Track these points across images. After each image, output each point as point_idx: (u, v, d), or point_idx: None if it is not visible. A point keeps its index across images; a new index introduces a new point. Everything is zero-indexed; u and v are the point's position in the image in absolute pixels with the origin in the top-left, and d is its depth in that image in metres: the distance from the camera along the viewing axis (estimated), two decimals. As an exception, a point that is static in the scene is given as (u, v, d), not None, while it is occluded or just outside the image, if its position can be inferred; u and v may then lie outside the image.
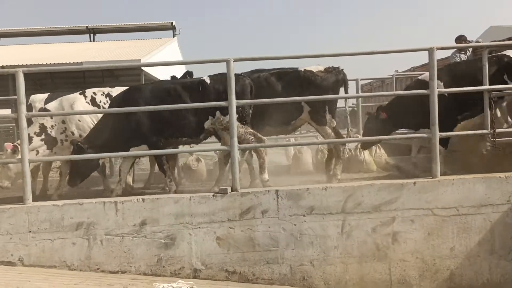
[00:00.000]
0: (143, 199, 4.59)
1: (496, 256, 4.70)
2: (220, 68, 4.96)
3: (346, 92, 5.88)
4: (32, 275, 4.23)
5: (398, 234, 4.66)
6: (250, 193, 4.65)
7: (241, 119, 5.29)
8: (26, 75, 4.72)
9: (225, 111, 5.04)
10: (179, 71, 7.35)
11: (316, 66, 5.82)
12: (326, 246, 4.65)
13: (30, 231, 4.49)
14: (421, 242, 4.67)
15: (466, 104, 5.46)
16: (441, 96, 4.93)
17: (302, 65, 5.85)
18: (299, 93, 5.35)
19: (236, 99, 4.80)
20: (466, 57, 7.81)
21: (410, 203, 4.66)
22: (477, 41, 8.40)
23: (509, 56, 5.57)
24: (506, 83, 5.40)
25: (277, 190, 4.66)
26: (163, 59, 16.84)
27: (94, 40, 22.75)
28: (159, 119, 5.31)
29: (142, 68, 13.05)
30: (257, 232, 4.62)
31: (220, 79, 5.34)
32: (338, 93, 5.78)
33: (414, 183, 4.69)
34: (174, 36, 22.57)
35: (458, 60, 7.69)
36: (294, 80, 5.64)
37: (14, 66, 12.44)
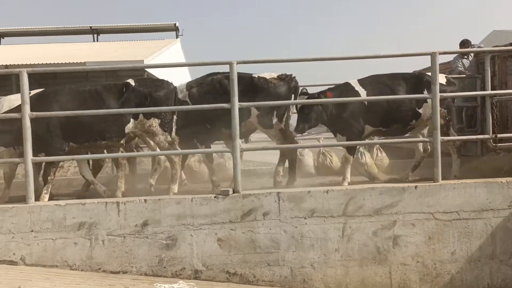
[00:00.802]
0: (145, 200, 4.61)
1: (497, 261, 4.70)
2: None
3: (295, 98, 5.99)
4: (34, 275, 4.25)
5: (399, 237, 4.67)
6: (252, 195, 4.67)
7: (162, 126, 5.36)
8: (30, 75, 4.73)
9: (148, 114, 5.17)
10: (182, 73, 7.38)
11: (269, 73, 5.97)
12: (327, 249, 4.66)
13: (32, 231, 4.50)
14: (422, 246, 4.68)
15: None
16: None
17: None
18: (251, 98, 5.41)
19: (159, 105, 5.08)
20: (469, 62, 7.82)
21: (411, 207, 4.67)
22: (479, 46, 8.39)
23: (429, 76, 5.60)
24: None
25: (278, 193, 4.68)
26: (166, 60, 16.86)
27: (97, 40, 22.78)
28: (73, 124, 5.10)
29: (146, 69, 13.10)
30: (258, 234, 4.63)
31: (145, 82, 5.49)
32: (290, 99, 5.92)
33: (416, 187, 4.69)
34: (177, 37, 22.58)
35: (460, 65, 7.71)
36: (248, 85, 5.71)
37: (18, 66, 12.49)
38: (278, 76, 5.90)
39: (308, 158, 8.01)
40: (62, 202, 4.63)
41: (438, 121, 4.85)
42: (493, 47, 7.26)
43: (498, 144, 5.07)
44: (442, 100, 5.19)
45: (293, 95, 5.96)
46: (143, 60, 13.79)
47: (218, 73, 5.97)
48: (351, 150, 5.92)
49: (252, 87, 5.76)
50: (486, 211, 4.67)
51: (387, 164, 7.79)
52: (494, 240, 4.68)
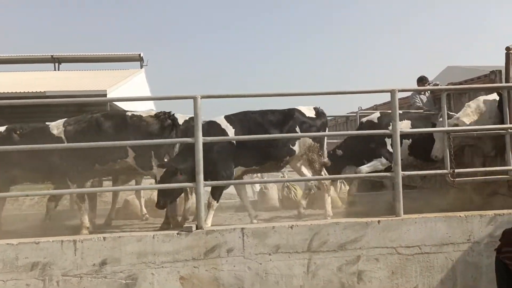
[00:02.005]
0: (104, 238, 4.44)
1: (458, 295, 4.76)
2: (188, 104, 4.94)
3: (176, 136, 5.83)
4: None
5: (363, 273, 4.67)
6: (216, 231, 4.58)
7: None
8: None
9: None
10: (146, 105, 7.32)
11: (148, 110, 5.94)
12: (292, 286, 4.59)
13: (-19, 272, 4.23)
14: (386, 281, 4.69)
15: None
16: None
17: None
18: (125, 136, 5.37)
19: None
20: (426, 97, 8.14)
21: (375, 241, 4.69)
22: (435, 83, 8.79)
23: (299, 110, 5.94)
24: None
25: (242, 228, 4.61)
26: (130, 90, 16.72)
27: (59, 69, 22.39)
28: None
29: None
30: (222, 271, 4.53)
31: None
32: (167, 138, 5.73)
33: (379, 221, 4.74)
34: (141, 68, 22.51)
35: (418, 101, 8.00)
36: (122, 123, 5.69)
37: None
38: (155, 114, 5.78)
39: (273, 191, 8.01)
40: (14, 241, 4.39)
41: (399, 156, 4.95)
42: (448, 84, 7.59)
43: (456, 179, 5.21)
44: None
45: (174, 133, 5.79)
46: (106, 90, 13.61)
47: (98, 112, 5.95)
48: (216, 194, 5.47)
49: (125, 125, 5.68)
50: (446, 245, 4.76)
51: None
52: (455, 274, 4.75)
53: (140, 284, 4.41)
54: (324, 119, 6.12)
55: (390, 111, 5.67)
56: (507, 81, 5.68)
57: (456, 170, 5.20)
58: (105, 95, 13.11)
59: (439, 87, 7.35)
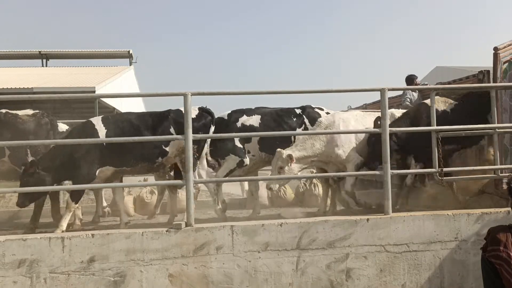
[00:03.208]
0: (92, 235, 4.40)
1: (445, 292, 4.81)
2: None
3: (53, 136, 5.96)
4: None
5: (351, 270, 4.69)
6: (205, 228, 4.57)
7: None
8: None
9: None
10: (135, 102, 7.28)
11: (27, 110, 6.01)
12: (280, 283, 4.60)
13: (-33, 269, 4.17)
14: (374, 279, 4.72)
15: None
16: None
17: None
18: (2, 134, 5.41)
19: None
20: (416, 96, 8.21)
21: (363, 239, 4.72)
22: (424, 83, 8.89)
23: (177, 111, 5.85)
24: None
25: (232, 226, 4.60)
26: (119, 87, 16.61)
27: (46, 66, 22.15)
28: None
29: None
30: (211, 268, 4.52)
31: None
32: (43, 136, 5.86)
33: (367, 219, 4.76)
34: (130, 65, 22.37)
35: (408, 100, 8.07)
36: None
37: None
38: (32, 113, 5.83)
39: (262, 189, 8.01)
40: (1, 238, 4.34)
41: (388, 154, 4.97)
42: (437, 83, 7.66)
43: (444, 178, 5.26)
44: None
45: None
46: (94, 87, 13.50)
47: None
48: (75, 196, 5.44)
49: (1, 123, 5.71)
50: (434, 243, 4.80)
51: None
52: (442, 272, 4.79)
53: (129, 281, 4.38)
54: (205, 120, 5.96)
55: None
56: (494, 81, 5.74)
57: (444, 169, 5.24)
58: (93, 92, 13.01)
59: (428, 86, 7.41)
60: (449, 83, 7.50)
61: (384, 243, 4.74)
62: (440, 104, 5.84)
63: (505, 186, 2.85)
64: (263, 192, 8.01)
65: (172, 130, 5.71)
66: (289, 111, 6.63)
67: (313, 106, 6.76)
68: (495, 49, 5.68)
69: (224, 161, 6.32)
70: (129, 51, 22.35)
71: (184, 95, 4.71)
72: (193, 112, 5.76)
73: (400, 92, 8.60)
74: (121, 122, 5.69)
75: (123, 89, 17.47)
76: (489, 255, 2.82)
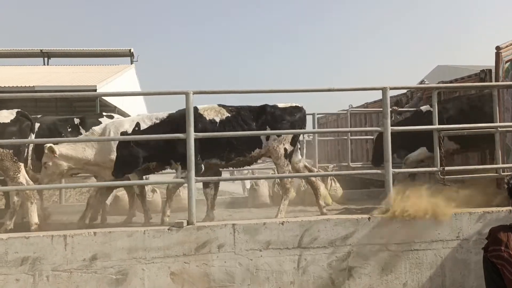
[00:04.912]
0: (94, 233, 4.41)
1: (446, 291, 4.81)
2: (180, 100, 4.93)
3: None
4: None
5: (353, 269, 4.69)
6: (207, 227, 4.58)
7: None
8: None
9: None
10: (136, 101, 7.30)
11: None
12: (282, 282, 4.61)
13: (-30, 266, 4.18)
14: (375, 278, 4.72)
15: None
16: None
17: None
18: None
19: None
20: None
21: (365, 238, 4.72)
22: (423, 81, 8.92)
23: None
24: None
25: (233, 224, 4.61)
26: (120, 86, 16.60)
27: (48, 64, 22.16)
28: None
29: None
30: (212, 267, 4.53)
31: None
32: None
33: (369, 218, 4.77)
34: (132, 63, 22.36)
35: None
36: None
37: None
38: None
39: (263, 188, 8.02)
40: (4, 236, 4.35)
41: (389, 153, 4.98)
42: (438, 83, 7.66)
43: (446, 177, 5.26)
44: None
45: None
46: (96, 86, 13.50)
47: None
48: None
49: None
50: (436, 242, 4.80)
51: (341, 194, 7.93)
52: (444, 271, 4.80)
53: (131, 279, 4.39)
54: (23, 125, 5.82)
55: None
56: (496, 80, 5.74)
57: (446, 168, 5.24)
58: (95, 90, 13.02)
59: (430, 85, 7.41)
60: (450, 82, 7.50)
61: (385, 242, 4.74)
62: (211, 113, 5.77)
63: (505, 186, 2.83)
64: (264, 190, 8.03)
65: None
66: (67, 120, 6.82)
67: (105, 113, 6.88)
68: (497, 48, 5.68)
69: None
70: (130, 50, 22.34)
71: (186, 94, 4.71)
72: (9, 117, 5.72)
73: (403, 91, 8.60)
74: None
75: (124, 87, 17.47)
76: (491, 255, 2.82)
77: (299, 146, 6.26)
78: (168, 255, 4.46)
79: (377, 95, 5.29)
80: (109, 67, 20.38)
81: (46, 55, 22.17)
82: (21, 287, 4.23)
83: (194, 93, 4.76)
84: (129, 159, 5.60)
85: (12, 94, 6.82)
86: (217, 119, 5.70)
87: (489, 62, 5.95)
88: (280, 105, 5.89)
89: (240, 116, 5.75)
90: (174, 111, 5.78)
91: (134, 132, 5.64)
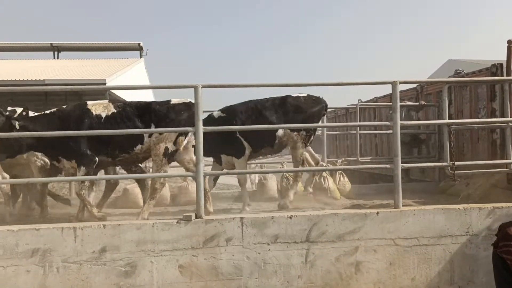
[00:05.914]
0: (104, 225, 4.45)
1: (455, 287, 4.79)
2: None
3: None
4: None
5: (361, 263, 4.69)
6: (215, 220, 4.60)
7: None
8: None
9: None
10: (145, 94, 7.31)
11: None
12: (290, 275, 4.62)
13: (-19, 257, 4.24)
14: (383, 272, 4.71)
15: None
16: None
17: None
18: None
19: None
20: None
21: (373, 233, 4.71)
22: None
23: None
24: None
25: (242, 218, 4.62)
26: (129, 79, 16.67)
27: (58, 58, 22.29)
28: None
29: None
30: (220, 260, 4.55)
31: None
32: None
33: (377, 213, 4.75)
34: (141, 57, 22.42)
35: None
36: None
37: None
38: None
39: (272, 182, 8.03)
40: (14, 227, 4.40)
41: (399, 147, 4.95)
42: (449, 77, 7.58)
43: (456, 172, 5.22)
44: None
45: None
46: (105, 79, 13.57)
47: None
48: None
49: None
50: (445, 237, 4.77)
51: (349, 189, 7.91)
52: (452, 266, 4.77)
53: (139, 272, 4.43)
54: None
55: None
56: (508, 74, 5.67)
57: (456, 163, 5.21)
58: (104, 84, 13.08)
59: (441, 79, 7.34)
60: (462, 76, 7.42)
61: (394, 236, 4.73)
62: (99, 108, 5.75)
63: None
64: (273, 184, 8.03)
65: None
66: None
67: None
68: (509, 42, 5.61)
69: None
70: (139, 44, 22.41)
71: (195, 87, 4.71)
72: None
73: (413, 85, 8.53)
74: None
75: (133, 81, 17.54)
76: (501, 251, 2.80)
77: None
78: (176, 248, 4.49)
79: (387, 89, 5.26)
80: (119, 60, 20.46)
81: (56, 49, 22.29)
82: (31, 278, 4.28)
83: (203, 86, 4.76)
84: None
85: (22, 88, 6.86)
86: (103, 115, 5.73)
87: (501, 56, 5.88)
88: (173, 101, 5.86)
89: (125, 112, 5.79)
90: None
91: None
